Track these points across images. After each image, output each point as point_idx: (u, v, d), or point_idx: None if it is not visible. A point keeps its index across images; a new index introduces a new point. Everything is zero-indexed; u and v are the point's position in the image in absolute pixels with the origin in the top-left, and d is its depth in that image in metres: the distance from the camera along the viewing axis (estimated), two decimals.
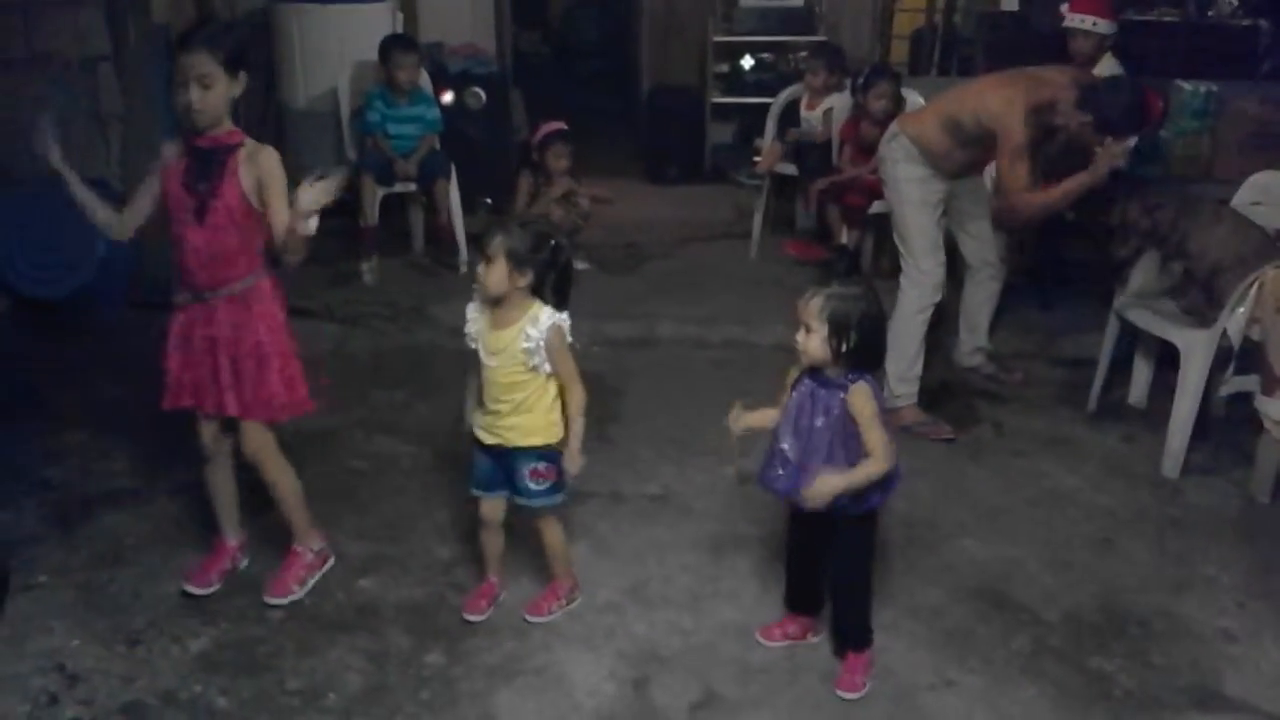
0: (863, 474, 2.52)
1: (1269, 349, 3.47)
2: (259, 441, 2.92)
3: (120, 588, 3.06)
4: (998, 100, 3.76)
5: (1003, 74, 3.94)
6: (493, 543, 2.96)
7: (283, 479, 3.01)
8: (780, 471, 2.61)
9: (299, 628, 2.91)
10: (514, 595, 3.02)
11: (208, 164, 2.72)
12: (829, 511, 2.56)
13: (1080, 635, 2.93)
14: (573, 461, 2.76)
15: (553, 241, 2.66)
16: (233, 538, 3.10)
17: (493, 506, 2.89)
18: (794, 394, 2.60)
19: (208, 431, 2.95)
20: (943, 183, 3.92)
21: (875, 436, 2.51)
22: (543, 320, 2.64)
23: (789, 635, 2.86)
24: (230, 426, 2.93)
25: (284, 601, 2.98)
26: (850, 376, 2.52)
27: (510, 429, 2.73)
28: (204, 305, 2.80)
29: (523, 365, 2.67)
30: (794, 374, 2.63)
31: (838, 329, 2.48)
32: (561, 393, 2.74)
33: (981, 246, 4.19)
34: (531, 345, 2.64)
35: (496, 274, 2.60)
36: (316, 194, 2.57)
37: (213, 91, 2.67)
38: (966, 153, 3.89)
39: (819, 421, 2.54)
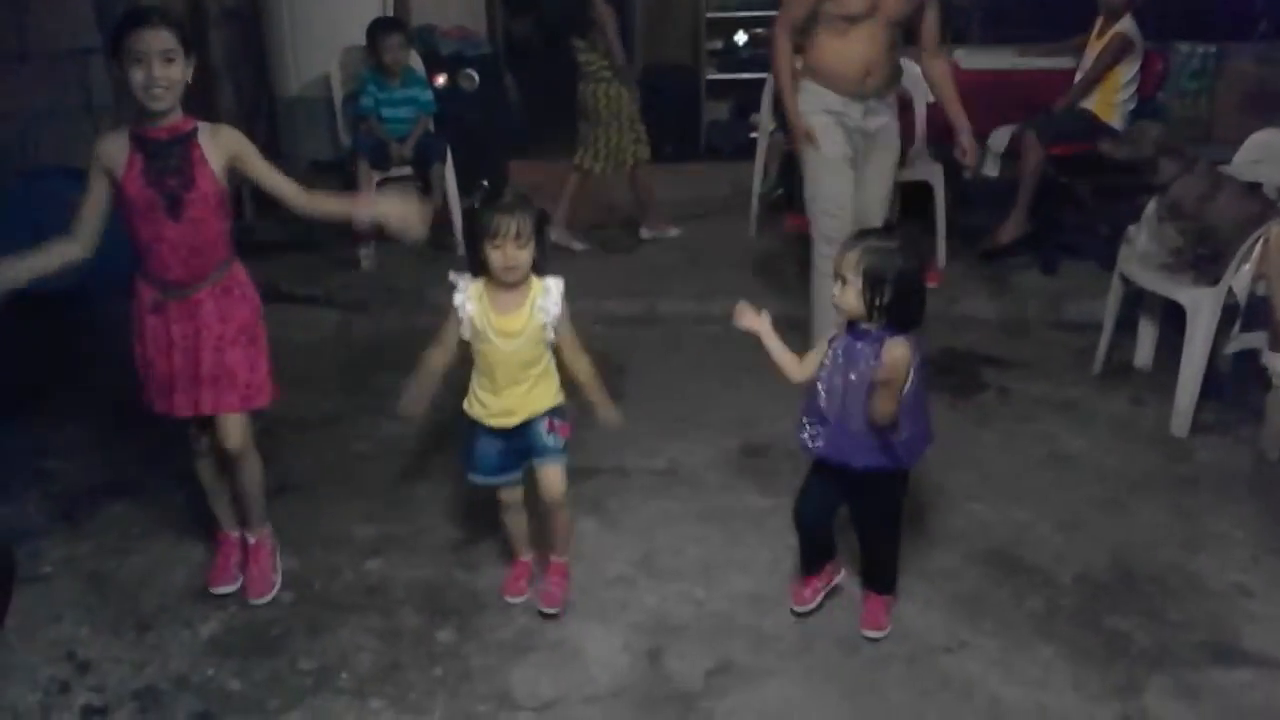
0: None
1: (1275, 304, 3.45)
2: (245, 432, 2.83)
3: (128, 575, 3.04)
4: None
5: None
6: (517, 523, 2.92)
7: (259, 466, 2.94)
8: (819, 429, 2.58)
9: (309, 609, 2.89)
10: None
11: (169, 156, 2.56)
12: (861, 471, 2.55)
13: (1094, 595, 2.91)
14: (612, 416, 2.78)
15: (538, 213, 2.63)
16: (235, 529, 3.03)
17: (513, 490, 2.86)
18: (830, 350, 2.57)
19: (195, 428, 2.88)
20: (848, 126, 3.79)
21: (886, 394, 2.45)
22: (552, 292, 2.65)
23: (819, 590, 2.84)
24: (205, 423, 2.85)
25: (270, 598, 2.92)
26: (888, 332, 2.48)
27: (535, 400, 2.72)
28: (185, 302, 2.69)
29: (542, 340, 2.67)
30: (833, 330, 2.60)
31: (873, 282, 2.44)
32: (558, 354, 2.74)
33: (868, 209, 3.90)
34: (549, 319, 2.64)
35: (529, 254, 2.58)
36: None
37: (175, 66, 2.51)
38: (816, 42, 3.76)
39: (853, 376, 2.50)
